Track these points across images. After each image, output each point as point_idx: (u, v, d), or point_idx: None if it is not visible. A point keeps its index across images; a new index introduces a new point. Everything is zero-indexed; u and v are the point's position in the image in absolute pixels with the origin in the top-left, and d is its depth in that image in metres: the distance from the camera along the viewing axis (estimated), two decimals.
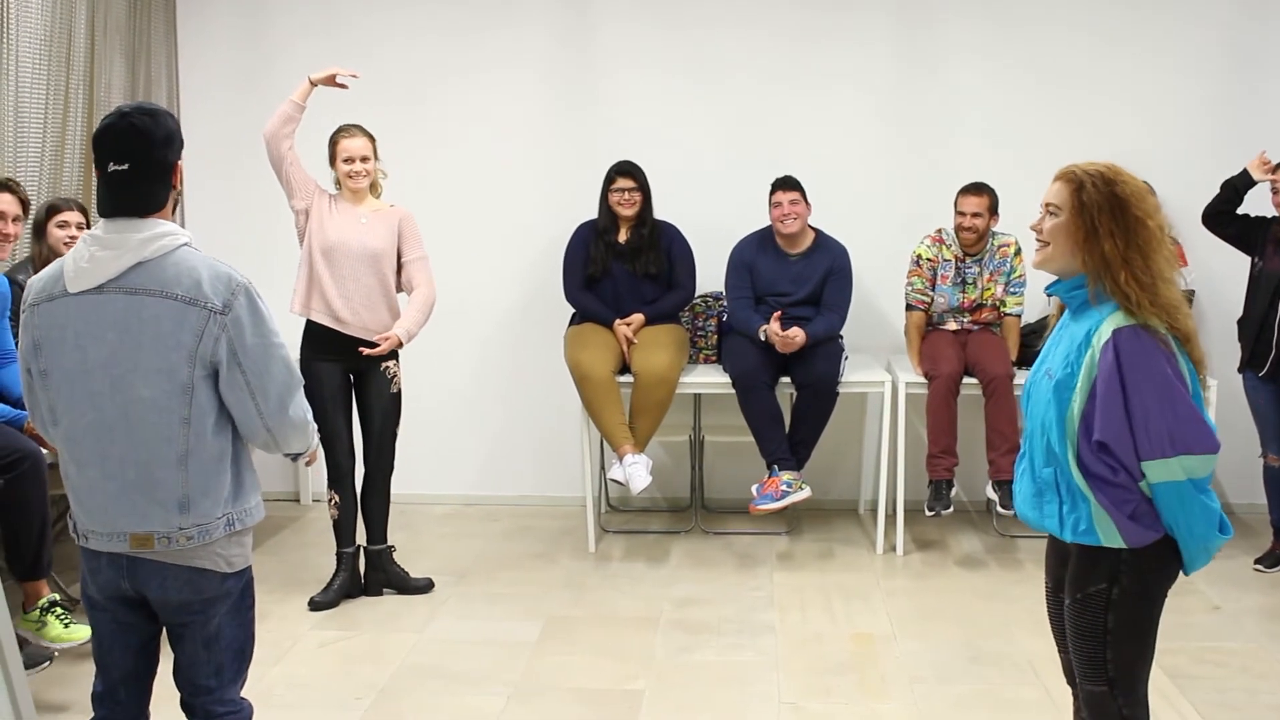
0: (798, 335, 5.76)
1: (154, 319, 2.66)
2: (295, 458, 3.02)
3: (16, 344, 4.69)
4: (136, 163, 2.70)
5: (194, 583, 2.80)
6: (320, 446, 3.11)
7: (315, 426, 2.95)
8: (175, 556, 2.76)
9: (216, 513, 2.76)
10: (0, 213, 4.45)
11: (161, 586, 2.79)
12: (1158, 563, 2.81)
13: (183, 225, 6.76)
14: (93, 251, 2.70)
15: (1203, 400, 2.81)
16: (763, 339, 5.83)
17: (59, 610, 4.35)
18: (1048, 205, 2.87)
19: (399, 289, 5.28)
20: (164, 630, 2.94)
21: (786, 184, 5.99)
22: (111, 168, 2.70)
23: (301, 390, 2.85)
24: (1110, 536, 2.77)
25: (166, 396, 2.68)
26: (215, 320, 2.68)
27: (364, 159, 5.15)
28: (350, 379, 5.24)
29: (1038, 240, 2.89)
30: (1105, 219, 2.77)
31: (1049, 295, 2.98)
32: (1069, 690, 4.36)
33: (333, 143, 5.20)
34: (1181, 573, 2.86)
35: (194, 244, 2.78)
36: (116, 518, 2.75)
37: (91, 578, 2.86)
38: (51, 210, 4.85)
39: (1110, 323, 2.74)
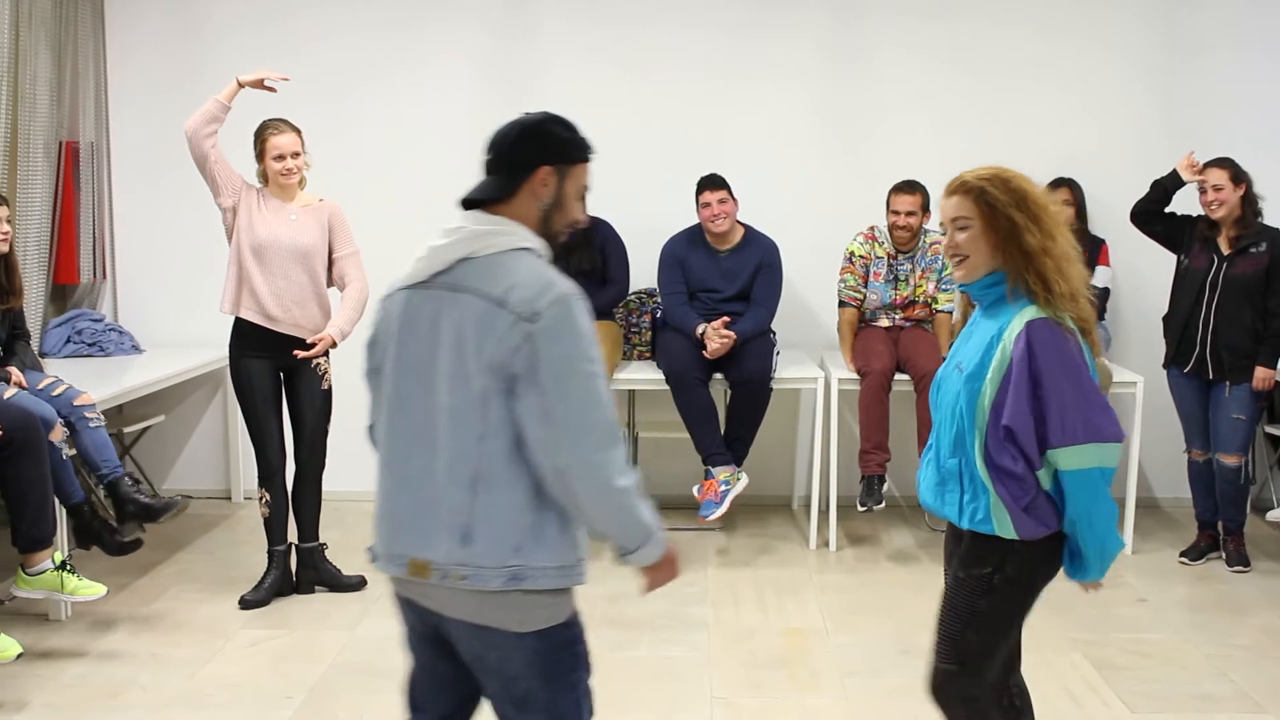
0: (728, 337, 5.78)
1: (464, 319, 2.43)
2: (623, 555, 2.56)
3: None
4: (495, 152, 2.58)
5: (481, 638, 2.49)
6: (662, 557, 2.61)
7: (647, 521, 2.52)
8: (453, 608, 2.48)
9: (502, 559, 2.42)
10: None
11: (455, 634, 2.54)
12: (1045, 557, 2.88)
13: (111, 220, 6.71)
14: (433, 241, 2.55)
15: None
16: (701, 330, 5.84)
17: None
18: (954, 220, 2.89)
19: (329, 284, 5.24)
20: None
21: (713, 183, 6.00)
22: (483, 159, 2.60)
23: (617, 445, 2.42)
24: (1005, 527, 2.83)
25: (465, 407, 2.42)
26: (519, 327, 2.38)
27: (295, 155, 5.10)
28: (281, 376, 5.20)
29: (954, 256, 2.90)
30: (1019, 214, 2.81)
31: (961, 293, 3.02)
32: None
33: (260, 139, 5.12)
34: (1070, 574, 2.92)
35: (540, 253, 2.53)
36: (402, 536, 2.52)
37: (403, 618, 2.66)
38: None
39: (1023, 316, 2.79)
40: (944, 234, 2.98)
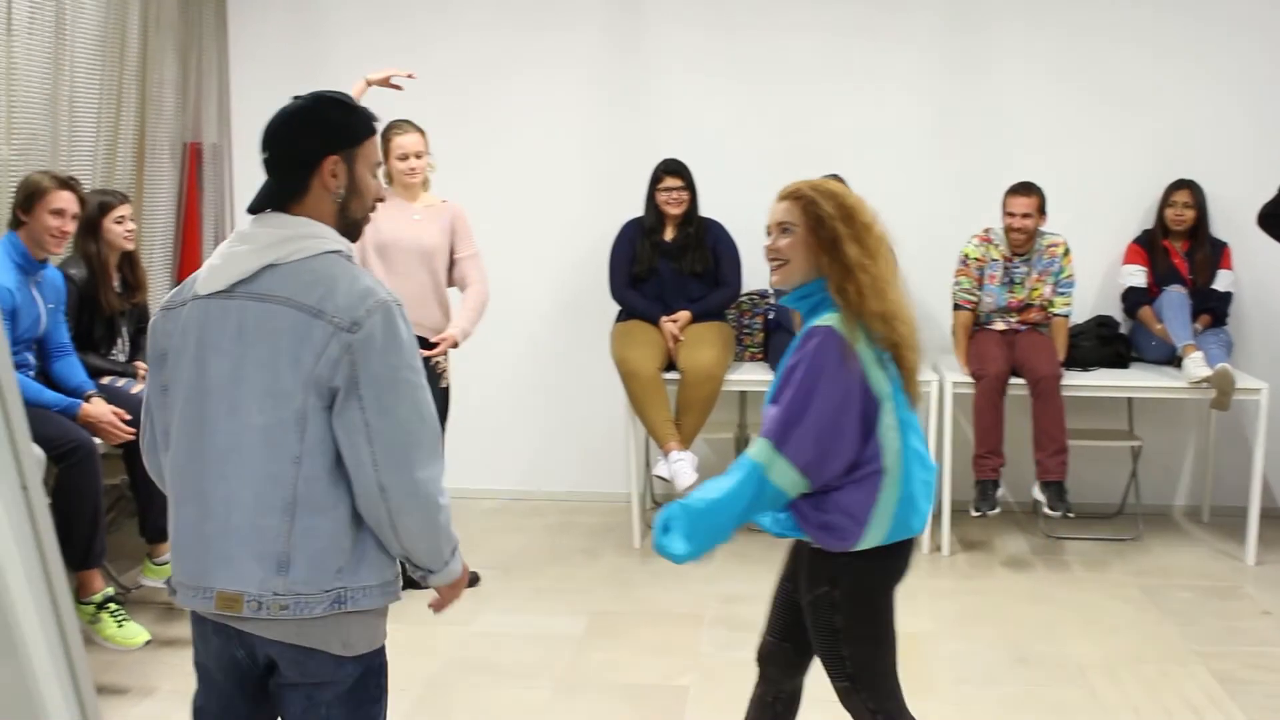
0: None
1: (275, 331, 2.27)
2: (423, 576, 2.47)
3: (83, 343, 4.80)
4: (274, 148, 2.41)
5: (300, 664, 2.36)
6: (459, 576, 2.56)
7: (454, 537, 2.46)
8: (277, 630, 2.32)
9: (323, 583, 2.29)
10: (60, 210, 4.50)
11: (275, 656, 2.38)
12: (874, 565, 2.86)
13: (233, 219, 6.86)
14: (230, 248, 2.36)
15: (911, 411, 2.88)
16: None
17: (113, 607, 4.42)
18: (780, 224, 2.91)
19: (449, 284, 5.31)
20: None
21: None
22: (261, 157, 2.42)
23: (440, 459, 2.35)
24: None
25: (279, 427, 2.26)
26: (339, 338, 2.24)
27: (418, 155, 5.18)
28: None
29: (774, 260, 2.93)
30: (844, 228, 2.83)
31: (783, 305, 3.00)
32: (1116, 692, 4.37)
33: (385, 139, 5.21)
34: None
35: (349, 255, 2.40)
36: (208, 568, 2.32)
37: (200, 643, 2.47)
38: (105, 207, 4.90)
39: (818, 322, 2.81)
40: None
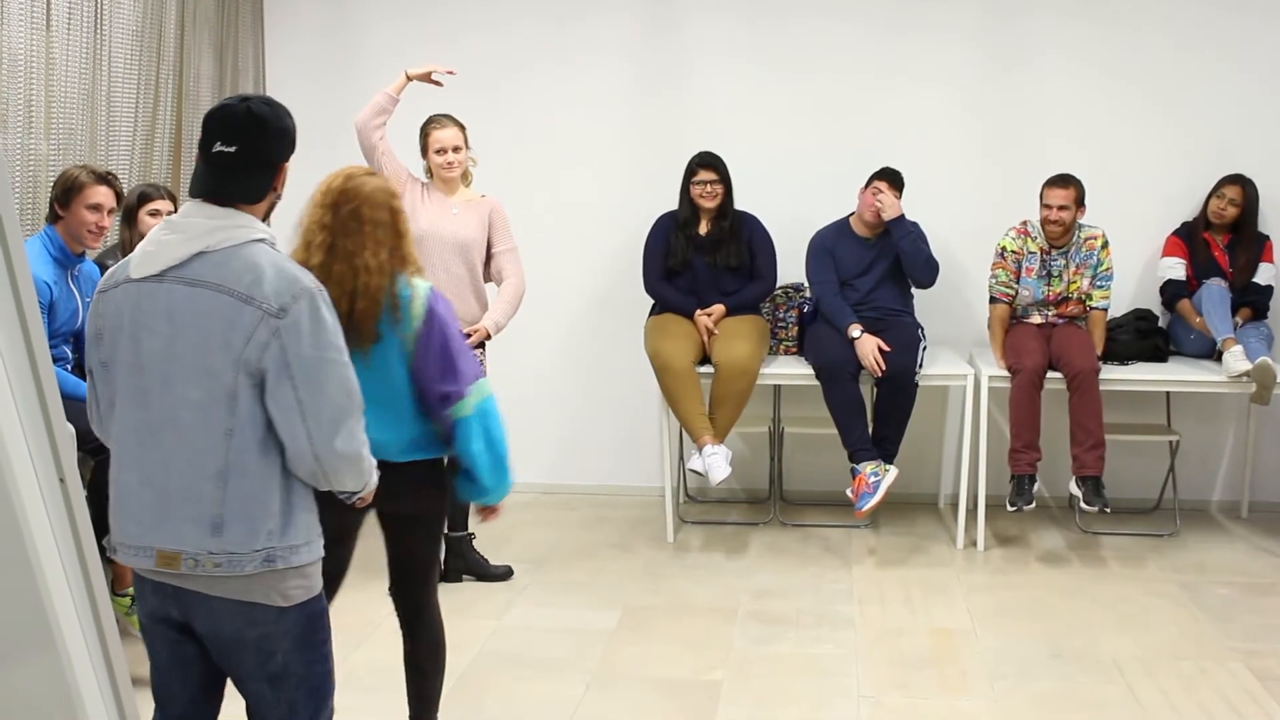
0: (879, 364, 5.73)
1: (206, 314, 2.44)
2: (349, 496, 2.69)
3: None
4: (244, 147, 2.53)
5: (246, 615, 2.54)
6: (375, 486, 2.76)
7: (373, 463, 2.66)
8: (219, 587, 2.51)
9: (254, 544, 2.48)
10: (98, 205, 4.53)
11: (210, 618, 2.56)
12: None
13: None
14: (161, 235, 2.53)
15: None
16: (856, 334, 5.79)
17: None
18: None
19: (486, 279, 5.33)
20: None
21: (884, 175, 5.98)
22: (218, 148, 2.53)
23: (360, 420, 2.57)
24: None
25: (211, 402, 2.45)
26: (267, 323, 2.42)
27: (456, 149, 5.19)
28: None
29: None
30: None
31: None
32: (1154, 689, 4.34)
33: (424, 133, 5.23)
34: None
35: (273, 243, 2.57)
36: (147, 530, 2.52)
37: (140, 601, 2.66)
38: (144, 198, 4.92)
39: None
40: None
